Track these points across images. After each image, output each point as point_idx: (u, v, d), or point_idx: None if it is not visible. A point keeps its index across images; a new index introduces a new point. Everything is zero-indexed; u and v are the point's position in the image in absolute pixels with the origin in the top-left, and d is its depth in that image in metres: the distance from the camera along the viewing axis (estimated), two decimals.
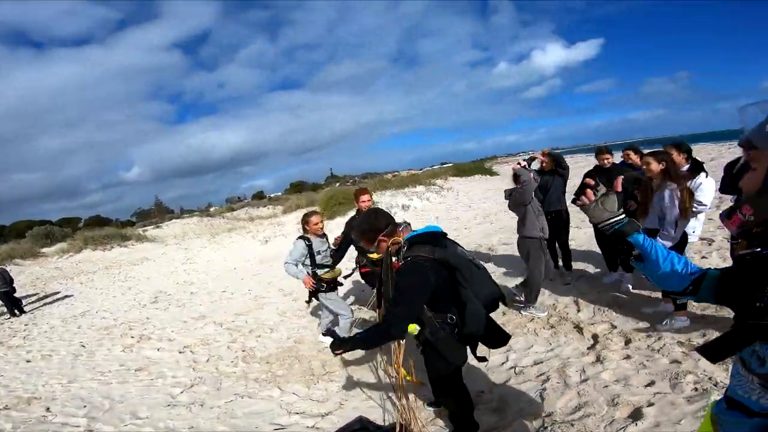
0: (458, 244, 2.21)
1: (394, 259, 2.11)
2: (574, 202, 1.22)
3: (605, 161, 4.24)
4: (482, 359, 2.26)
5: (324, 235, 4.01)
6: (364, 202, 4.27)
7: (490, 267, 5.60)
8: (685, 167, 3.38)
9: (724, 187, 3.22)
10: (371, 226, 2.20)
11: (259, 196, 45.08)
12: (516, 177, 3.76)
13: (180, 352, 4.72)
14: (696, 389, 2.36)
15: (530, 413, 2.49)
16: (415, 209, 13.21)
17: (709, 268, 1.07)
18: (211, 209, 29.57)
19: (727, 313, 3.19)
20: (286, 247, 11.13)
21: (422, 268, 1.97)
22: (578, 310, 3.82)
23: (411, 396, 2.61)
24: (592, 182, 1.19)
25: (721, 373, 2.45)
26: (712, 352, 0.92)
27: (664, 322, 3.18)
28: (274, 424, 2.92)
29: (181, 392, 3.63)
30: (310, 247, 3.79)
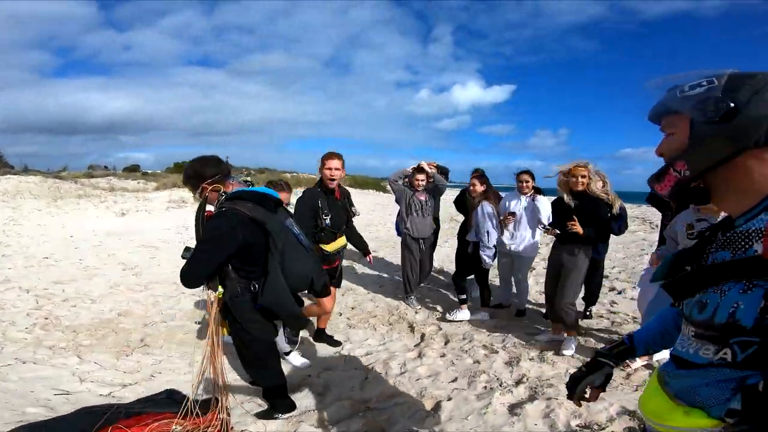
0: (291, 217, 2.16)
1: (210, 207, 2.03)
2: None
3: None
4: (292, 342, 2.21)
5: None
6: (335, 170, 3.10)
7: (358, 268, 5.78)
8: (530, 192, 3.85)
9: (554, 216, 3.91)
10: (195, 173, 2.07)
11: (132, 169, 38.81)
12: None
13: None
14: (485, 387, 2.72)
15: (348, 398, 2.59)
16: None
17: None
18: (64, 173, 24.52)
19: (523, 321, 3.82)
20: (147, 224, 9.92)
21: (231, 221, 1.88)
22: (416, 313, 4.22)
23: (227, 369, 2.49)
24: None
25: (507, 375, 2.88)
26: (675, 286, 0.85)
27: (452, 312, 3.90)
28: (56, 390, 2.49)
29: None
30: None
